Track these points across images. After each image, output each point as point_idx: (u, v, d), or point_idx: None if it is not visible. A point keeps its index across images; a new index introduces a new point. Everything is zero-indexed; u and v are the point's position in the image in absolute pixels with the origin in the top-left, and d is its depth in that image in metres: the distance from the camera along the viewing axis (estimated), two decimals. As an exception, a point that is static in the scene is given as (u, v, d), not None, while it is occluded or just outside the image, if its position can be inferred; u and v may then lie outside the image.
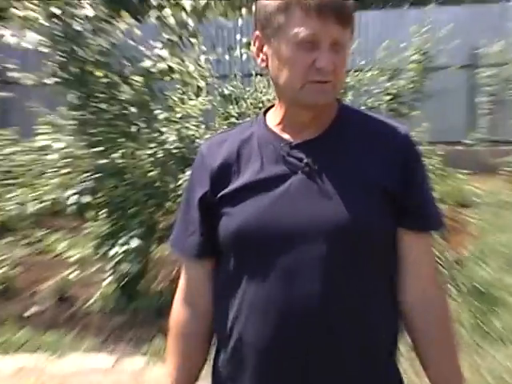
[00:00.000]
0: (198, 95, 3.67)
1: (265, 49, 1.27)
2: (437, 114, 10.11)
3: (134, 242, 3.60)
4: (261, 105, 7.33)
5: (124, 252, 3.62)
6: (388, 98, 7.67)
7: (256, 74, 7.44)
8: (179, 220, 1.40)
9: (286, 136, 1.30)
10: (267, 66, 1.27)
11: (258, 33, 1.28)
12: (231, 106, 7.63)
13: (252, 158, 1.31)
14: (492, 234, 5.41)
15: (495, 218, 5.73)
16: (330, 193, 1.23)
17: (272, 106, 1.38)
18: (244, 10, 3.58)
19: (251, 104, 7.36)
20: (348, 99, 7.74)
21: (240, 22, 3.45)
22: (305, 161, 1.25)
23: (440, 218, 1.33)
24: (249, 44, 3.40)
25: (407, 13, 10.30)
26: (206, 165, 1.35)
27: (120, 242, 3.66)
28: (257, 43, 1.29)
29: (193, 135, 4.38)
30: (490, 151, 8.62)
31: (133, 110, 3.56)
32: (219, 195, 1.30)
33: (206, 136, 6.01)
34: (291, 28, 1.19)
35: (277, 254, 1.23)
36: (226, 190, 1.30)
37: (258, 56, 1.29)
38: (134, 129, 3.68)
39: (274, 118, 1.34)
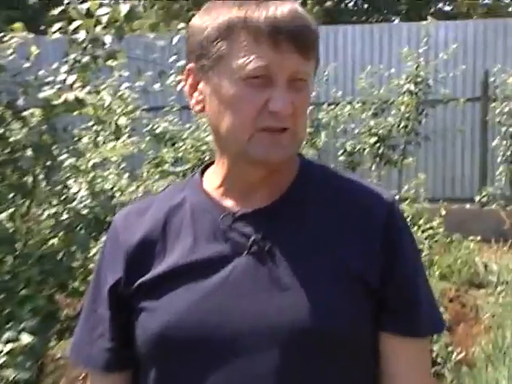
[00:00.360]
0: (118, 135, 3.66)
1: (200, 86, 1.26)
2: (438, 163, 10.39)
3: (25, 338, 3.50)
4: (204, 147, 7.40)
5: (10, 352, 3.51)
6: (373, 140, 7.83)
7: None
8: (83, 316, 1.38)
9: (229, 203, 1.29)
10: (204, 109, 1.27)
11: (191, 65, 1.27)
12: (165, 149, 7.68)
13: (182, 232, 1.29)
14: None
15: (516, 302, 5.83)
16: (285, 282, 1.21)
17: (211, 164, 1.37)
18: (181, 24, 3.64)
19: (191, 146, 7.43)
20: (320, 141, 7.88)
21: (175, 39, 3.50)
22: (252, 238, 1.24)
23: (436, 318, 1.32)
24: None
25: (398, 28, 10.65)
26: (120, 242, 1.33)
27: (5, 337, 3.56)
28: (190, 79, 1.28)
29: (111, 189, 4.36)
30: (510, 212, 8.84)
31: (28, 154, 3.52)
32: (136, 284, 1.28)
33: (130, 189, 6.01)
34: (236, 58, 1.17)
35: (213, 366, 1.20)
36: (145, 277, 1.27)
37: (192, 96, 1.28)
38: (28, 180, 3.63)
39: (213, 179, 1.33)
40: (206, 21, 1.21)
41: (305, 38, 1.17)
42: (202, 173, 1.37)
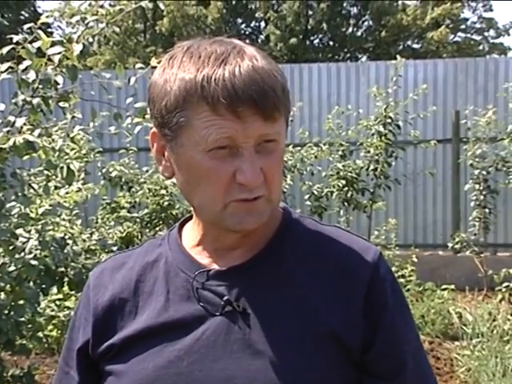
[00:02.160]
0: (70, 180, 3.62)
1: (167, 154, 1.26)
2: (409, 207, 10.47)
3: (-33, 401, 3.42)
4: (163, 191, 7.38)
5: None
6: (341, 183, 7.86)
7: (156, 149, 7.51)
8: (56, 377, 1.39)
9: (206, 261, 1.29)
10: (173, 175, 1.27)
11: (154, 130, 1.27)
12: (121, 194, 7.63)
13: (155, 291, 1.29)
14: (488, 378, 5.49)
15: (492, 355, 5.83)
16: (257, 346, 1.20)
17: (190, 218, 1.38)
18: (139, 64, 3.64)
19: (149, 190, 7.40)
20: (285, 184, 7.90)
21: (133, 79, 3.49)
22: (225, 297, 1.23)
23: (426, 382, 1.30)
24: (144, 111, 3.41)
25: (365, 67, 10.79)
26: (90, 301, 1.33)
27: None
28: (155, 144, 1.28)
29: (63, 237, 4.31)
30: (485, 259, 8.91)
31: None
32: (104, 346, 1.28)
33: (84, 236, 5.95)
34: (197, 130, 1.17)
35: None
36: (113, 339, 1.28)
37: (160, 162, 1.28)
38: (-27, 229, 3.58)
39: (190, 236, 1.34)
40: (163, 85, 1.20)
41: (267, 102, 1.15)
42: (181, 227, 1.38)
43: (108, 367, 1.26)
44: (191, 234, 1.34)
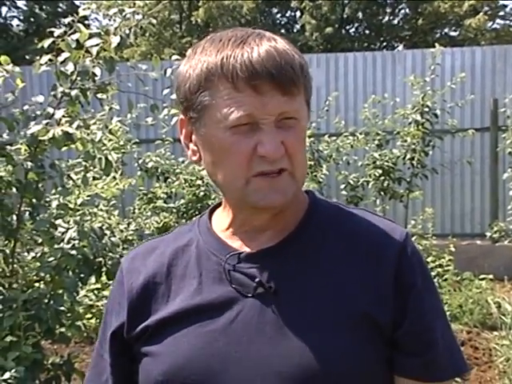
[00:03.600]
0: (108, 172, 3.66)
1: (194, 137, 1.31)
2: (446, 196, 10.40)
3: (9, 388, 3.48)
4: (199, 182, 7.40)
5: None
6: (377, 172, 7.83)
7: (192, 139, 7.54)
8: (93, 360, 1.43)
9: (236, 244, 1.32)
10: (200, 159, 1.32)
11: (182, 117, 1.32)
12: (157, 184, 7.68)
13: (188, 274, 1.33)
14: (529, 367, 5.46)
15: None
16: (291, 326, 1.22)
17: (219, 205, 1.42)
18: (175, 56, 3.66)
19: (185, 181, 7.43)
20: (321, 174, 7.90)
21: (169, 71, 3.51)
22: (257, 279, 1.26)
23: (456, 361, 1.32)
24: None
25: (402, 56, 10.72)
26: (124, 286, 1.37)
27: (-13, 387, 3.53)
28: (183, 130, 1.33)
29: (101, 227, 4.36)
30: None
31: (11, 192, 3.52)
32: (139, 328, 1.32)
33: (121, 227, 6.01)
34: (219, 108, 1.22)
35: None
36: (148, 321, 1.31)
37: (188, 147, 1.34)
38: (12, 219, 3.63)
39: (221, 221, 1.38)
40: (187, 70, 1.25)
41: (284, 76, 1.19)
42: (211, 214, 1.42)
43: (143, 349, 1.30)
44: (221, 218, 1.37)
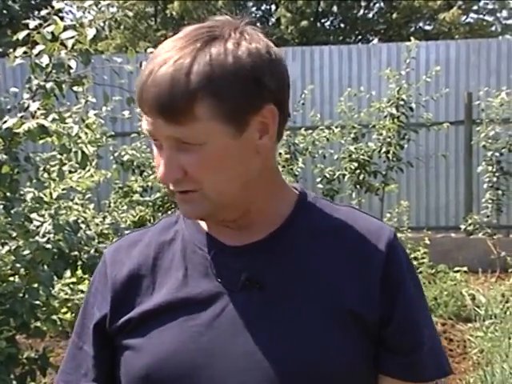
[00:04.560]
0: (84, 165, 3.64)
1: None
2: (421, 189, 10.47)
3: (-17, 384, 3.45)
4: (175, 175, 7.37)
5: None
6: (353, 166, 7.86)
7: (168, 133, 7.52)
8: (69, 352, 1.41)
9: (222, 238, 1.32)
10: None
11: None
12: (133, 178, 7.66)
13: (173, 268, 1.32)
14: (501, 359, 5.50)
15: (505, 337, 5.84)
16: (279, 321, 1.23)
17: None
18: (150, 49, 3.64)
19: (161, 174, 7.40)
20: (297, 167, 7.91)
21: (144, 63, 3.50)
22: (244, 274, 1.26)
23: (441, 362, 1.32)
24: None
25: (377, 49, 10.76)
26: (107, 277, 1.37)
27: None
28: None
29: (76, 221, 4.34)
30: (497, 241, 8.91)
31: (-14, 185, 3.50)
32: (122, 320, 1.32)
33: (97, 220, 5.97)
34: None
35: None
36: (131, 314, 1.31)
37: None
38: (-13, 213, 3.61)
39: None
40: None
41: (163, 107, 1.17)
42: None
43: (125, 341, 1.29)
44: None
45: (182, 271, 1.30)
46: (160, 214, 7.52)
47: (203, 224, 1.35)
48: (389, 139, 7.67)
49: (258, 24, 27.65)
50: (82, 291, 5.15)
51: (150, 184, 7.55)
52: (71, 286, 5.28)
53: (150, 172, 7.55)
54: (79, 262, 4.17)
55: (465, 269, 7.90)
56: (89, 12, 3.40)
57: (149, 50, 3.61)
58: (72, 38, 2.97)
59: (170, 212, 7.53)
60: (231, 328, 1.23)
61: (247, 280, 1.25)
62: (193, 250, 1.32)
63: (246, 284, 1.25)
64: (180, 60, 1.17)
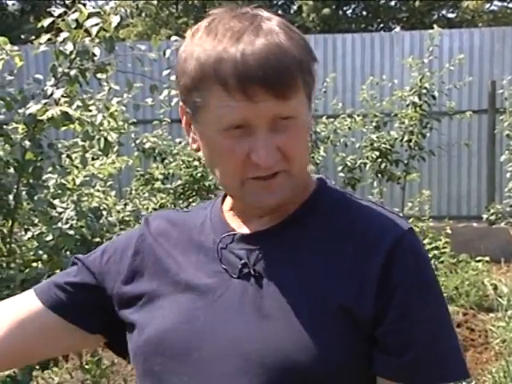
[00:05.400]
0: (107, 152, 3.66)
1: (193, 127, 1.31)
2: (443, 179, 10.42)
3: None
4: (196, 163, 7.39)
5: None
6: (374, 154, 7.84)
7: (190, 120, 7.52)
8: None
9: (235, 224, 1.34)
10: (199, 147, 1.31)
11: (181, 104, 1.31)
12: (154, 165, 7.67)
13: (190, 249, 1.36)
14: (525, 349, 5.49)
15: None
16: (271, 311, 1.23)
17: None
18: (173, 37, 3.65)
19: (183, 162, 7.42)
20: (318, 156, 7.90)
21: (168, 52, 3.51)
22: (243, 261, 1.28)
23: (447, 368, 1.24)
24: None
25: (400, 37, 10.70)
26: (144, 242, 1.40)
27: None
28: (184, 117, 1.33)
29: (98, 208, 4.36)
30: (520, 230, 8.86)
31: (9, 172, 3.52)
32: (137, 290, 1.36)
33: (118, 207, 6.00)
34: (211, 110, 1.20)
35: None
36: (147, 287, 1.35)
37: (188, 134, 1.33)
38: (10, 199, 3.63)
39: (228, 202, 1.40)
40: (184, 62, 1.23)
41: (278, 81, 1.16)
42: (225, 194, 1.42)
43: (132, 316, 1.34)
44: (229, 199, 1.38)
45: (195, 254, 1.33)
46: (181, 202, 7.53)
47: (224, 210, 1.38)
48: (411, 128, 7.64)
49: (280, 12, 27.58)
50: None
51: (171, 171, 7.56)
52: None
53: (172, 159, 7.55)
54: (101, 249, 4.20)
55: (487, 258, 7.86)
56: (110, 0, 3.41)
57: (172, 37, 3.62)
58: (96, 25, 2.97)
59: (190, 200, 7.55)
60: (225, 312, 1.24)
61: (245, 267, 1.27)
62: (208, 234, 1.35)
63: (244, 271, 1.26)
64: (271, 33, 1.18)
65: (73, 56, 3.10)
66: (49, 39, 3.01)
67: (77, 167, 4.06)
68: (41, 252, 3.83)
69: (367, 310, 1.20)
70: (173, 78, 3.44)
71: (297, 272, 1.24)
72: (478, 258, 7.90)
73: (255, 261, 1.26)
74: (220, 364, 1.21)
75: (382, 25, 28.98)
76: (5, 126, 3.37)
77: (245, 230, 1.32)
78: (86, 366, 4.01)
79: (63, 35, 3.01)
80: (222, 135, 1.19)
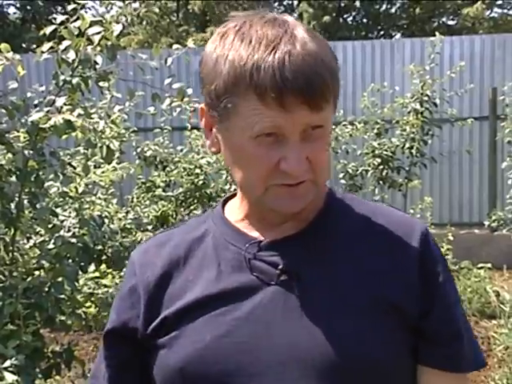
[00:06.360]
0: (109, 160, 3.66)
1: (214, 130, 1.28)
2: (445, 186, 10.41)
3: (10, 377, 3.48)
4: (198, 170, 7.40)
5: (-7, 392, 3.49)
6: (376, 161, 7.84)
7: (191, 128, 7.55)
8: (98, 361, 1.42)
9: (254, 233, 1.32)
10: (219, 151, 1.29)
11: (203, 106, 1.29)
12: (155, 173, 7.68)
13: (205, 265, 1.32)
14: (527, 355, 5.48)
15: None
16: (318, 313, 1.22)
17: (232, 196, 1.41)
18: (175, 45, 3.65)
19: (184, 170, 7.43)
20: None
21: (169, 60, 3.51)
22: (280, 266, 1.25)
23: (477, 353, 1.33)
24: (183, 92, 3.44)
25: (400, 44, 10.71)
26: (137, 280, 1.36)
27: (-13, 376, 3.53)
28: (203, 119, 1.30)
29: (100, 215, 4.37)
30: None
31: (11, 180, 3.52)
32: (158, 319, 1.31)
33: (120, 215, 6.00)
34: (243, 117, 1.19)
35: None
36: (167, 312, 1.30)
37: (207, 137, 1.31)
38: (12, 207, 3.63)
39: (236, 212, 1.37)
40: (214, 66, 1.21)
41: (315, 93, 1.16)
42: (223, 205, 1.41)
43: (160, 340, 1.29)
44: (236, 210, 1.36)
45: (215, 267, 1.30)
46: (182, 210, 7.54)
47: (232, 222, 1.35)
48: (412, 135, 7.65)
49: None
50: (106, 285, 5.19)
51: (172, 179, 7.57)
52: (95, 280, 5.32)
53: (173, 167, 7.56)
54: (103, 257, 4.20)
55: (489, 265, 7.85)
56: (111, 7, 3.41)
57: (174, 46, 3.62)
58: (98, 33, 2.98)
59: (192, 207, 7.55)
60: (271, 319, 1.22)
61: (284, 272, 1.24)
62: (225, 246, 1.31)
63: (282, 276, 1.24)
64: (306, 42, 1.18)
65: (75, 64, 3.11)
66: (51, 47, 3.02)
67: (79, 175, 4.06)
68: (43, 260, 3.83)
69: (414, 304, 1.24)
70: (175, 86, 3.43)
71: (337, 272, 1.25)
72: (480, 265, 7.89)
73: (291, 265, 1.25)
74: (276, 371, 1.20)
75: (382, 32, 29.02)
76: (7, 135, 3.37)
77: (268, 238, 1.30)
78: (89, 375, 4.01)
79: (65, 43, 3.01)
80: (252, 142, 1.18)
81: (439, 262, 1.29)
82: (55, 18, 2.95)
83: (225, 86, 1.18)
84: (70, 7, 2.94)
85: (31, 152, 3.34)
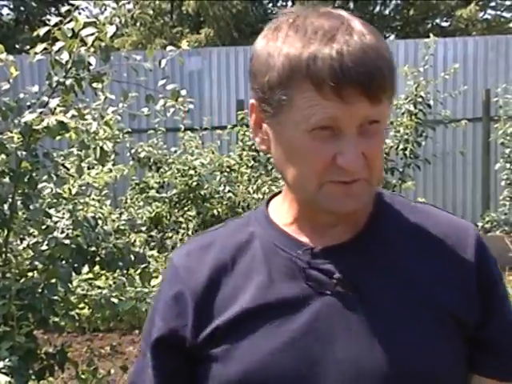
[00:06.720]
0: (103, 161, 3.66)
1: (265, 126, 1.23)
2: (438, 187, 10.42)
3: (2, 378, 3.47)
4: (192, 172, 7.39)
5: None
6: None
7: (185, 129, 7.55)
8: (139, 355, 1.36)
9: (305, 239, 1.25)
10: (269, 149, 1.24)
11: (253, 101, 1.23)
12: (149, 174, 7.68)
13: (254, 271, 1.26)
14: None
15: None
16: (378, 324, 1.18)
17: (276, 194, 1.35)
18: (169, 47, 3.65)
19: (178, 171, 7.43)
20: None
21: (164, 62, 3.51)
22: (336, 275, 1.20)
23: None
24: (176, 94, 3.44)
25: (394, 45, 10.72)
26: (183, 284, 1.29)
27: (-20, 377, 3.53)
28: (253, 115, 1.25)
29: (94, 217, 4.36)
30: (515, 238, 8.86)
31: (5, 181, 3.52)
32: (208, 329, 1.25)
33: (113, 217, 5.98)
34: (299, 109, 1.14)
35: None
36: (218, 321, 1.24)
37: (256, 134, 1.25)
38: (5, 208, 3.63)
39: (283, 214, 1.30)
40: (267, 57, 1.16)
41: (375, 85, 1.11)
42: (267, 205, 1.34)
43: (213, 351, 1.23)
44: (283, 211, 1.30)
45: (265, 274, 1.23)
46: (176, 211, 7.53)
47: (280, 225, 1.28)
48: (406, 136, 7.66)
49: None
50: (99, 287, 5.19)
51: (166, 180, 7.57)
52: (88, 281, 5.32)
53: (167, 168, 7.56)
54: (97, 258, 4.19)
55: (482, 266, 7.85)
56: (105, 9, 3.41)
57: (168, 47, 3.62)
58: (92, 34, 2.98)
59: (185, 208, 7.54)
60: (330, 332, 1.17)
61: (341, 282, 1.19)
62: (274, 251, 1.25)
63: (339, 286, 1.19)
64: (364, 34, 1.14)
65: (68, 65, 3.11)
66: (45, 48, 3.01)
67: (72, 176, 4.06)
68: (36, 262, 3.82)
69: (473, 314, 1.21)
70: (168, 87, 3.43)
71: (394, 283, 1.20)
72: (474, 266, 7.89)
73: (347, 275, 1.19)
74: None
75: (376, 33, 29.05)
76: (0, 136, 3.37)
77: (320, 244, 1.23)
78: (82, 376, 4.00)
79: (59, 44, 3.01)
80: (307, 135, 1.13)
81: (495, 270, 1.26)
82: (49, 20, 2.96)
83: (279, 78, 1.14)
84: (63, 9, 2.94)
85: (24, 153, 3.34)
